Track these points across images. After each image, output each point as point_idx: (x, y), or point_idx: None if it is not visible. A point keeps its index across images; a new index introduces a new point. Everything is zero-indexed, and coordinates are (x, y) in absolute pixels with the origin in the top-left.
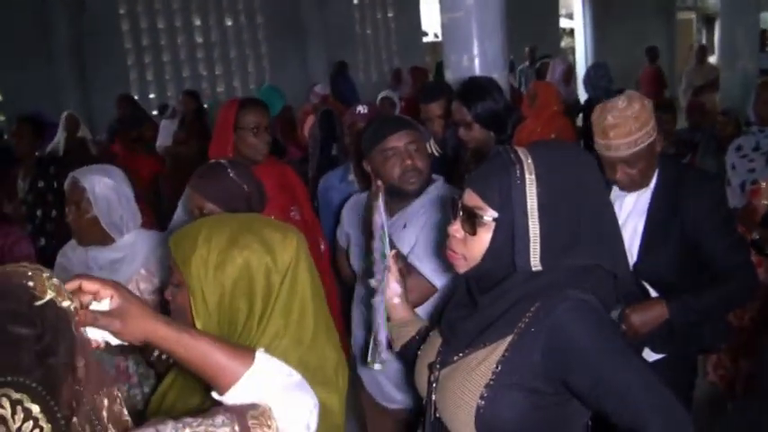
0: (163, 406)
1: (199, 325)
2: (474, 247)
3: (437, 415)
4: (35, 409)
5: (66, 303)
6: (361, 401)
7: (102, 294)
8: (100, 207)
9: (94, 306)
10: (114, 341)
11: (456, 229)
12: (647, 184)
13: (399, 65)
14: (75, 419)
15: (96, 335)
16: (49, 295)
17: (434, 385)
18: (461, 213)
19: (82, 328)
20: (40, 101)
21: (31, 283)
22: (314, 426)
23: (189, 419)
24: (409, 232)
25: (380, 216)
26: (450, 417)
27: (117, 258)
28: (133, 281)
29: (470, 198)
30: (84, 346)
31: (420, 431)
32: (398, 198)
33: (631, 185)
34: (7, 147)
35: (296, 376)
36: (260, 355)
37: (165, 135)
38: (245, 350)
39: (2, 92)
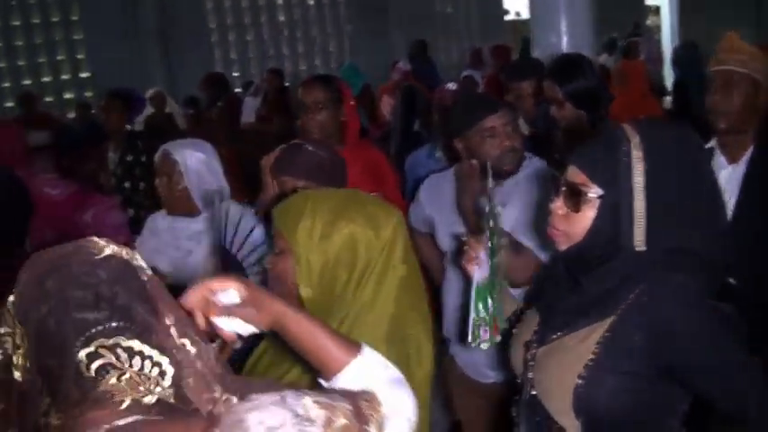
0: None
1: (301, 290)
2: (576, 224)
3: (533, 392)
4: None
5: (135, 262)
6: (447, 381)
7: (226, 286)
8: (191, 179)
9: (223, 298)
10: (244, 331)
11: (559, 205)
12: (740, 131)
13: (480, 44)
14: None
15: (228, 327)
16: (108, 251)
17: (531, 363)
18: (564, 190)
19: (214, 320)
20: (126, 77)
21: (89, 245)
22: (414, 419)
23: (307, 390)
24: (509, 211)
25: (489, 196)
26: (547, 394)
27: (202, 229)
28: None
29: (574, 174)
30: (170, 303)
31: (514, 408)
32: (493, 177)
33: (725, 118)
34: (96, 121)
35: (396, 372)
36: (366, 347)
37: (249, 112)
38: (352, 341)
39: (90, 68)
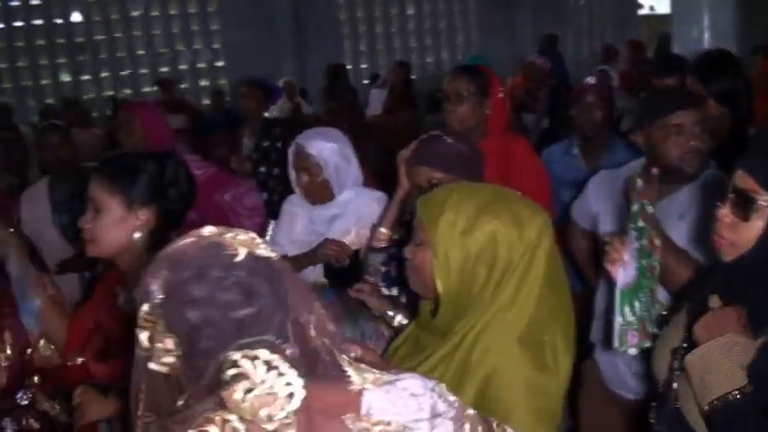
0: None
1: (438, 284)
2: (745, 233)
3: (677, 405)
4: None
5: (264, 252)
6: (582, 383)
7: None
8: (330, 171)
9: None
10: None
11: (725, 213)
12: None
13: (611, 39)
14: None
15: None
16: (243, 251)
17: (677, 373)
18: (732, 196)
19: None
20: (258, 67)
21: (223, 245)
22: None
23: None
24: (683, 225)
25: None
26: (692, 407)
27: (335, 214)
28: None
29: (743, 180)
30: (305, 296)
31: (652, 415)
32: (670, 179)
33: None
34: (231, 108)
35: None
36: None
37: (375, 104)
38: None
39: (225, 58)
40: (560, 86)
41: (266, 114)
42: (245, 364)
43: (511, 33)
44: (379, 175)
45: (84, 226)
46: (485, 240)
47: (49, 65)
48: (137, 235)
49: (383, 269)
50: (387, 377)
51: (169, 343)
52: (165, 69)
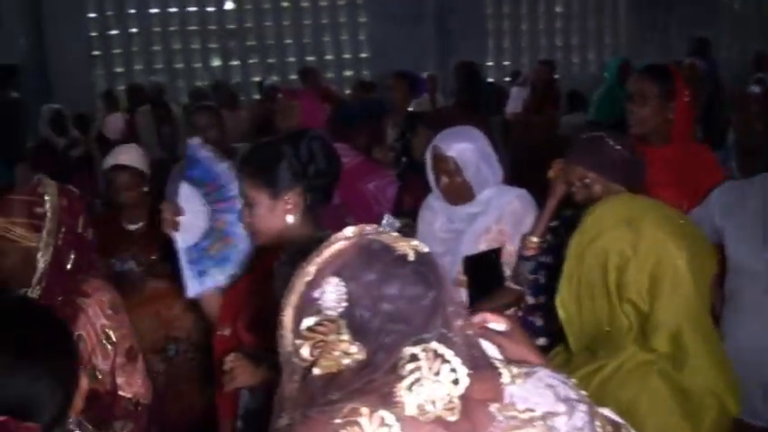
0: None
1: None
2: None
3: None
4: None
5: (424, 248)
6: None
7: (497, 321)
8: (470, 172)
9: (493, 326)
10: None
11: None
12: None
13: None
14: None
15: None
16: (410, 251)
17: None
18: None
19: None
20: (401, 60)
21: (386, 244)
22: None
23: None
24: None
25: None
26: None
27: (474, 212)
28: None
29: None
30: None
31: None
32: None
33: None
34: (375, 99)
35: None
36: None
37: (514, 102)
38: None
39: (369, 49)
40: (716, 93)
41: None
42: (424, 358)
43: (660, 35)
44: (513, 175)
45: (244, 221)
46: (654, 262)
47: (201, 49)
48: (290, 218)
49: (531, 277)
50: (525, 369)
51: (352, 348)
52: (310, 58)
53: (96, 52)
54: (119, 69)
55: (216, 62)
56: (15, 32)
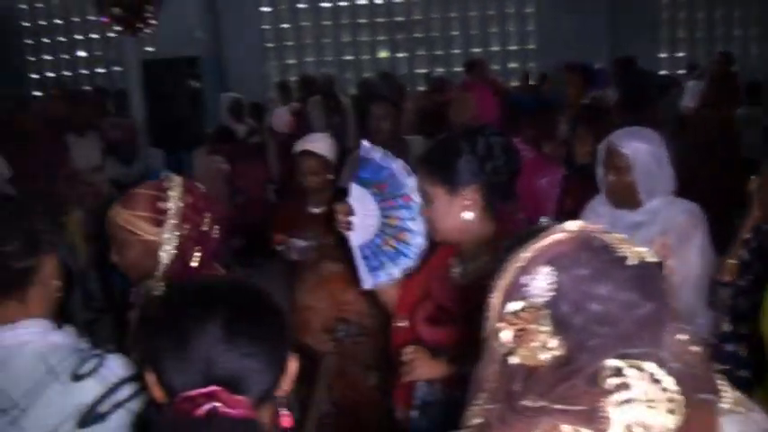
0: None
1: None
2: None
3: None
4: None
5: (651, 257)
6: None
7: None
8: (639, 174)
9: None
10: None
11: None
12: None
13: None
14: None
15: None
16: (629, 251)
17: None
18: None
19: None
20: (569, 51)
21: (612, 245)
22: None
23: None
24: None
25: None
26: None
27: (639, 221)
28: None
29: None
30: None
31: None
32: None
33: None
34: (542, 91)
35: None
36: None
37: (690, 96)
38: None
39: (536, 41)
40: None
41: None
42: (630, 374)
43: None
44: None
45: (424, 215)
46: None
47: (369, 41)
48: (467, 215)
49: (730, 302)
50: (748, 404)
51: (551, 341)
52: (476, 50)
53: (269, 44)
54: (290, 61)
55: (383, 54)
56: (195, 27)
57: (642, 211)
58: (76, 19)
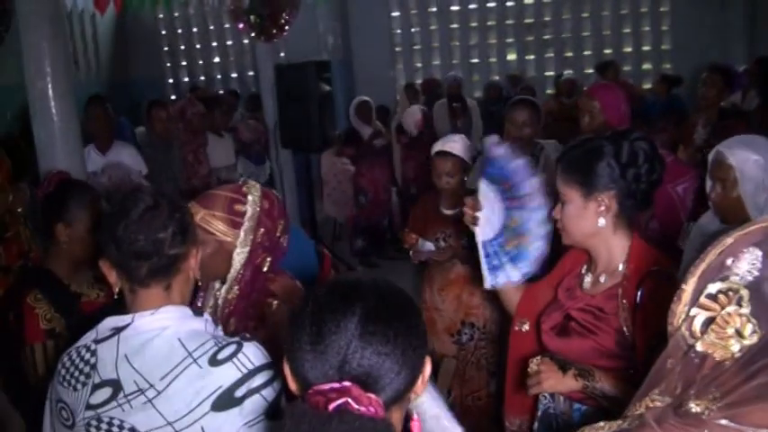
0: None
1: None
2: None
3: None
4: None
5: None
6: None
7: None
8: (747, 188)
9: None
10: None
11: None
12: None
13: None
14: None
15: None
16: None
17: None
18: None
19: None
20: (705, 51)
21: None
22: None
23: None
24: None
25: None
26: None
27: None
28: None
29: None
30: None
31: None
32: None
33: None
34: (676, 94)
35: None
36: None
37: None
38: None
39: (671, 41)
40: None
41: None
42: None
43: None
44: None
45: (555, 217)
46: None
47: (498, 44)
48: (601, 221)
49: None
50: None
51: (747, 327)
52: (608, 51)
53: (398, 48)
54: (418, 64)
55: (512, 56)
56: (326, 32)
57: None
58: (212, 27)
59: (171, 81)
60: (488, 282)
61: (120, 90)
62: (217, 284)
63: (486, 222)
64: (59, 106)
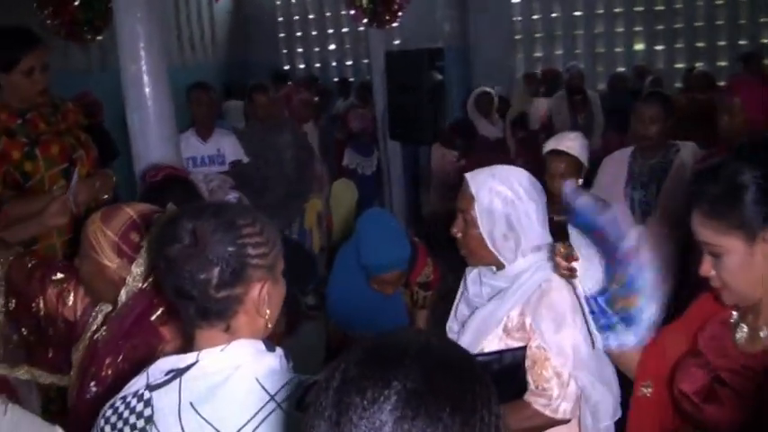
0: None
1: None
2: None
3: None
4: None
5: None
6: None
7: None
8: None
9: None
10: None
11: None
12: None
13: None
14: None
15: None
16: None
17: None
18: None
19: None
20: None
21: None
22: None
23: None
24: None
25: None
26: None
27: None
28: None
29: None
30: None
31: None
32: None
33: None
34: None
35: None
36: None
37: None
38: None
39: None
40: None
41: None
42: None
43: None
44: None
45: (705, 275)
46: None
47: (624, 32)
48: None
49: None
50: None
51: None
52: (743, 42)
53: (518, 36)
54: (538, 54)
55: (639, 46)
56: (444, 18)
57: None
58: (328, 13)
59: (287, 68)
60: (598, 342)
61: (237, 75)
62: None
63: (585, 274)
64: (154, 91)
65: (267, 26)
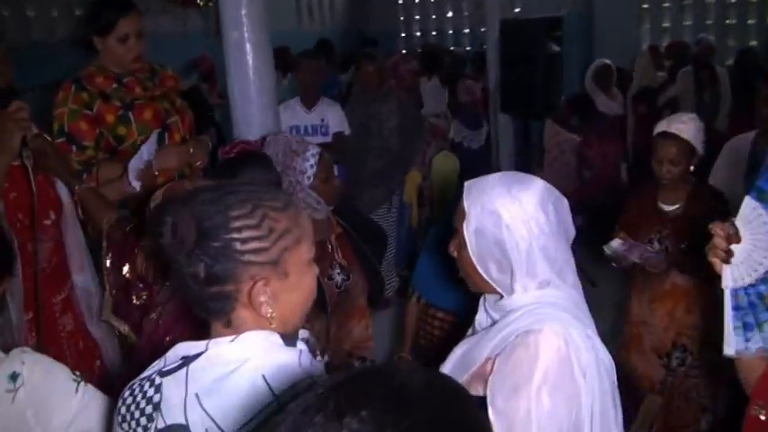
0: None
1: None
2: None
3: None
4: None
5: None
6: None
7: None
8: None
9: None
10: None
11: None
12: None
13: None
14: None
15: None
16: None
17: None
18: None
19: None
20: None
21: None
22: None
23: None
24: None
25: None
26: None
27: None
28: None
29: None
30: None
31: None
32: None
33: None
34: None
35: None
36: None
37: None
38: None
39: None
40: None
41: None
42: None
43: None
44: None
45: None
46: None
47: (760, 2)
48: None
49: None
50: None
51: None
52: None
53: (645, 5)
54: (666, 24)
55: None
56: None
57: None
58: None
59: (403, 35)
60: (733, 345)
61: (354, 43)
62: None
63: (745, 260)
64: (255, 58)
65: None
